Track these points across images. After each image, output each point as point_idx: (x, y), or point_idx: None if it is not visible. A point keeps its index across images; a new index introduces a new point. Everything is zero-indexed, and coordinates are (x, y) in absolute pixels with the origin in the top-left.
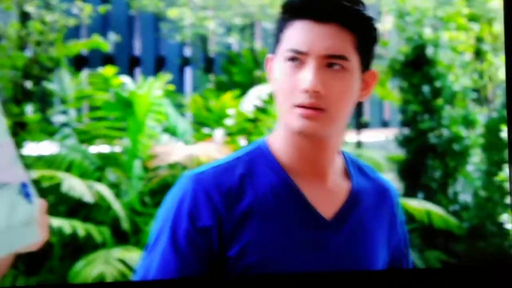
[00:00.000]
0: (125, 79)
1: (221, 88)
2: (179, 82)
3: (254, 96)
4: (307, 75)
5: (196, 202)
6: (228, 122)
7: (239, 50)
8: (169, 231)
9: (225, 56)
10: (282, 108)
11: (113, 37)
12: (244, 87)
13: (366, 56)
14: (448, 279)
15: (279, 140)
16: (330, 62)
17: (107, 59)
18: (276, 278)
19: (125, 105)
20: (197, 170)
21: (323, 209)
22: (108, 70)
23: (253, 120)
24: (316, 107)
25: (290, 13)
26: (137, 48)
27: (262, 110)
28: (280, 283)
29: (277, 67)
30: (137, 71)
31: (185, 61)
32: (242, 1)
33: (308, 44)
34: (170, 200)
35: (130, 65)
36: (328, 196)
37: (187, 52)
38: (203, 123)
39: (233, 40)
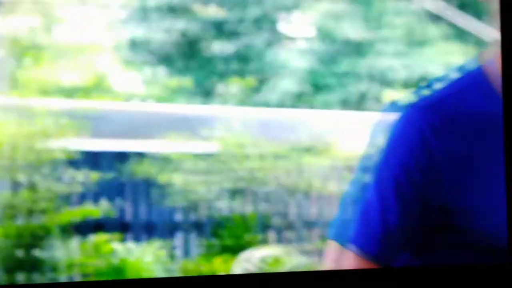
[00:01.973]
0: (116, 245)
1: (212, 252)
2: (170, 247)
3: (244, 260)
4: None
5: None
6: None
7: (229, 214)
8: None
9: (215, 221)
10: None
11: (104, 204)
12: (234, 251)
13: None
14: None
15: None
16: None
17: (98, 226)
18: (277, 278)
19: (117, 272)
20: None
21: None
22: (99, 238)
23: None
24: None
25: None
26: (128, 214)
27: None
28: (280, 283)
29: None
30: (128, 237)
31: (176, 226)
32: (231, 166)
33: None
34: None
35: (121, 231)
36: None
37: (178, 217)
38: None
39: (223, 205)
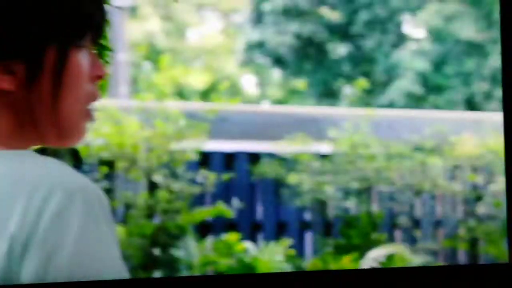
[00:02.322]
0: (247, 244)
1: (340, 251)
2: (299, 246)
3: (372, 259)
4: None
5: None
6: None
7: (357, 213)
8: None
9: (343, 220)
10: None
11: (236, 203)
12: (362, 250)
13: None
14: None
15: None
16: None
17: (230, 225)
18: (277, 277)
19: (248, 270)
20: None
21: None
22: (231, 236)
23: None
24: None
25: None
26: (259, 213)
27: None
28: (280, 283)
29: None
30: (259, 236)
31: (305, 226)
32: (358, 166)
33: None
34: None
35: (252, 230)
36: None
37: (307, 216)
38: None
39: (351, 204)
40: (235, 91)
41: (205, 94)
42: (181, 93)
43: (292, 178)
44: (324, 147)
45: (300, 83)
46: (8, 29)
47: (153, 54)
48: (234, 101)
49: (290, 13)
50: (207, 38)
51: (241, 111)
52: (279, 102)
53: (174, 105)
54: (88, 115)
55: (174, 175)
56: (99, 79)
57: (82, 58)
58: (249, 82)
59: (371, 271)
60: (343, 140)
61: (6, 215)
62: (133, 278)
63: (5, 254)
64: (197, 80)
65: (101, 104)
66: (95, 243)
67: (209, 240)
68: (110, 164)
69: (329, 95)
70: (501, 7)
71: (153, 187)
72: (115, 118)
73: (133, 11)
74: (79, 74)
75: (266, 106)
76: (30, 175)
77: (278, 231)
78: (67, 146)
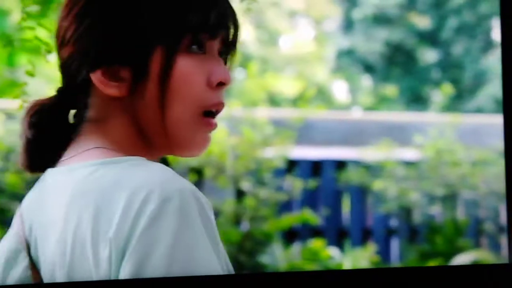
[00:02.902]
0: (333, 251)
1: (425, 257)
2: (384, 253)
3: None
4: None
5: None
6: None
7: (442, 219)
8: None
9: (428, 226)
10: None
11: (322, 210)
12: (447, 256)
13: None
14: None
15: None
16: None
17: (316, 232)
18: (277, 277)
19: None
20: None
21: None
22: (317, 243)
23: None
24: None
25: None
26: (345, 220)
27: None
28: (280, 283)
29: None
30: (345, 242)
31: (390, 232)
32: (443, 172)
33: None
34: None
35: (338, 237)
36: None
37: (392, 223)
38: None
39: (436, 210)
40: (326, 98)
41: (296, 101)
42: (272, 100)
43: (378, 185)
44: (410, 153)
45: (390, 90)
46: (114, 33)
47: (245, 62)
48: (320, 107)
49: (380, 20)
50: (299, 45)
51: (328, 118)
52: (370, 108)
53: (261, 112)
54: (207, 124)
55: (261, 182)
56: (222, 86)
57: (192, 63)
58: (340, 89)
59: (371, 271)
60: (429, 146)
61: (109, 221)
62: (134, 278)
63: (107, 258)
64: (288, 87)
65: None
66: (188, 247)
67: (295, 247)
68: (198, 171)
69: (417, 101)
70: (501, 8)
71: (240, 194)
72: None
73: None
74: (188, 80)
75: (354, 113)
76: (131, 180)
77: (364, 237)
78: (185, 157)
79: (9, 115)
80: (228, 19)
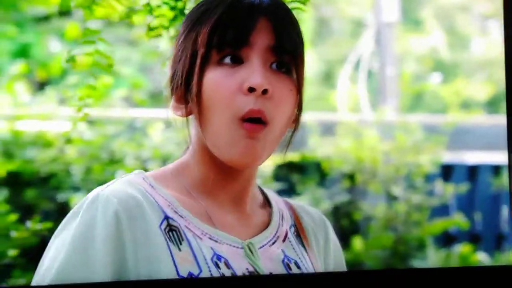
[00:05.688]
0: (482, 256)
1: None
2: None
3: None
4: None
5: None
6: None
7: None
8: None
9: None
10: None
11: (477, 215)
12: None
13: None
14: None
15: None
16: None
17: (472, 237)
18: (277, 278)
19: None
20: None
21: None
22: (466, 248)
23: None
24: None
25: None
26: (502, 225)
27: None
28: (280, 283)
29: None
30: (499, 248)
31: None
32: None
33: None
34: None
35: (495, 242)
36: None
37: None
38: None
39: None
40: None
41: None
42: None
43: None
44: None
45: None
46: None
47: (437, 67)
48: (475, 112)
49: None
50: (490, 49)
51: (484, 123)
52: None
53: (414, 118)
54: (245, 129)
55: (412, 187)
56: (252, 91)
57: (221, 74)
58: None
59: (374, 272)
60: None
61: None
62: (136, 280)
63: None
64: (479, 91)
65: (342, 118)
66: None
67: (447, 252)
68: (351, 177)
69: None
70: (504, 7)
71: (392, 199)
72: (355, 132)
73: (416, 24)
74: (217, 89)
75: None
76: None
77: None
78: (236, 167)
79: (167, 124)
80: (250, 31)
